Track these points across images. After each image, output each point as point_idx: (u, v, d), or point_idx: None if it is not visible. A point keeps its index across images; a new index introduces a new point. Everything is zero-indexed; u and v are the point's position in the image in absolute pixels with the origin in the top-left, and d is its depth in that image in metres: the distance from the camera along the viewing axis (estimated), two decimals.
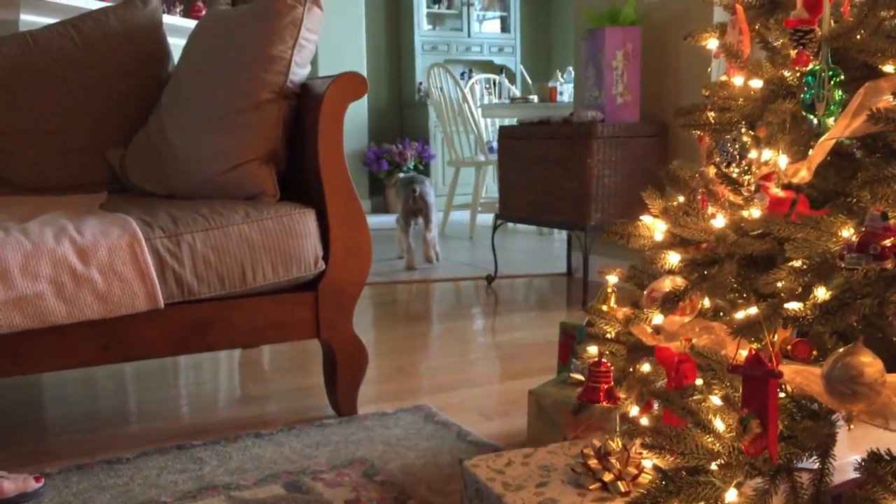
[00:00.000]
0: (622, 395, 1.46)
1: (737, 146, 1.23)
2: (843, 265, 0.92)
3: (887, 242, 0.90)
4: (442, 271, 4.34)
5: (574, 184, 3.29)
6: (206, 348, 1.94)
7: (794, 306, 0.95)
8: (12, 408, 2.24)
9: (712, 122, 1.35)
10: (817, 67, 1.09)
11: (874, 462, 1.00)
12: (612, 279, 1.53)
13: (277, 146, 2.07)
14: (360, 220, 2.04)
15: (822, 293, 1.00)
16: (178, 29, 3.77)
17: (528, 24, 7.53)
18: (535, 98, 5.49)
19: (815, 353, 1.04)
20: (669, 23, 3.46)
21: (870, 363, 0.89)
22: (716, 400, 1.10)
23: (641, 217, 1.36)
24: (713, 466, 1.04)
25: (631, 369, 1.44)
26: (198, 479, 1.70)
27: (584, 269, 3.34)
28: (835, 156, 1.23)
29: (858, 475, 0.97)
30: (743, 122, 1.28)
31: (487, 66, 7.25)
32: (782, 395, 1.06)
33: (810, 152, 1.13)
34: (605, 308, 1.51)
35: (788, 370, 0.99)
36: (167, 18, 4.04)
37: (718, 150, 1.26)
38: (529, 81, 6.45)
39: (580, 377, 1.67)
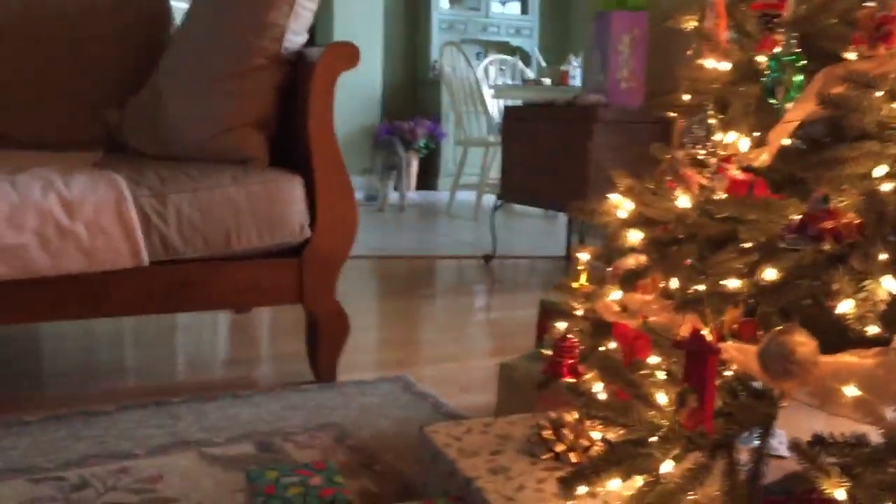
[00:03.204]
0: (586, 372, 1.47)
1: (703, 128, 1.24)
2: (783, 245, 0.94)
3: (827, 225, 0.92)
4: (442, 249, 4.36)
5: (573, 166, 3.30)
6: (190, 308, 1.97)
7: (734, 284, 0.96)
8: (9, 358, 2.29)
9: (685, 104, 1.36)
10: (779, 51, 1.10)
11: (815, 444, 1.01)
12: (584, 256, 1.55)
13: (269, 113, 2.09)
14: (347, 191, 2.06)
15: (770, 274, 1.01)
16: None
17: (547, 6, 7.49)
18: (547, 81, 5.48)
19: (760, 333, 1.05)
20: (678, 9, 3.43)
21: (803, 342, 0.90)
22: (662, 375, 1.12)
23: (608, 195, 1.37)
24: (654, 439, 1.05)
25: (597, 346, 1.46)
26: (172, 435, 1.73)
27: None
28: (806, 142, 1.24)
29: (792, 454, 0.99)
30: (712, 105, 1.28)
31: (504, 48, 7.22)
32: (728, 372, 1.07)
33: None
34: (575, 285, 1.52)
35: (730, 348, 1.01)
36: None
37: (685, 131, 1.27)
38: (543, 64, 6.44)
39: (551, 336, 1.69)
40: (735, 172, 1.17)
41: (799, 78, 1.09)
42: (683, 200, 1.28)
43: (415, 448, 1.68)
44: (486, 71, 6.16)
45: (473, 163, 5.80)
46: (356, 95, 6.38)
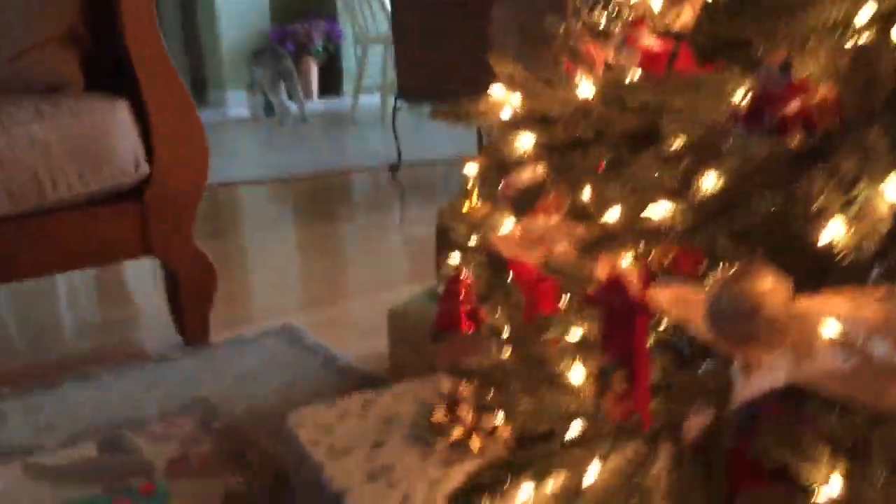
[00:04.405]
0: (489, 316, 1.17)
1: None
2: (729, 146, 0.62)
3: (792, 108, 0.60)
4: (347, 162, 3.99)
5: (472, 53, 2.91)
6: (6, 278, 1.60)
7: (660, 210, 0.64)
8: None
9: None
10: None
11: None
12: (472, 169, 1.21)
13: (78, 22, 1.68)
14: (187, 111, 1.67)
15: (710, 182, 0.69)
16: None
17: None
18: None
19: (704, 265, 0.74)
20: None
21: (771, 290, 0.59)
22: (576, 336, 0.81)
23: (490, 88, 1.04)
24: (572, 431, 0.75)
25: (499, 283, 1.15)
26: None
27: None
28: None
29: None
30: None
31: None
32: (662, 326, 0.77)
33: None
34: (464, 209, 1.20)
35: (665, 296, 0.70)
36: None
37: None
38: None
39: (443, 278, 1.38)
40: (648, 41, 0.84)
41: None
42: (585, 87, 0.94)
43: None
44: None
45: (375, 62, 5.36)
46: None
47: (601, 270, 0.73)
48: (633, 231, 0.64)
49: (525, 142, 0.94)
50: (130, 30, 1.60)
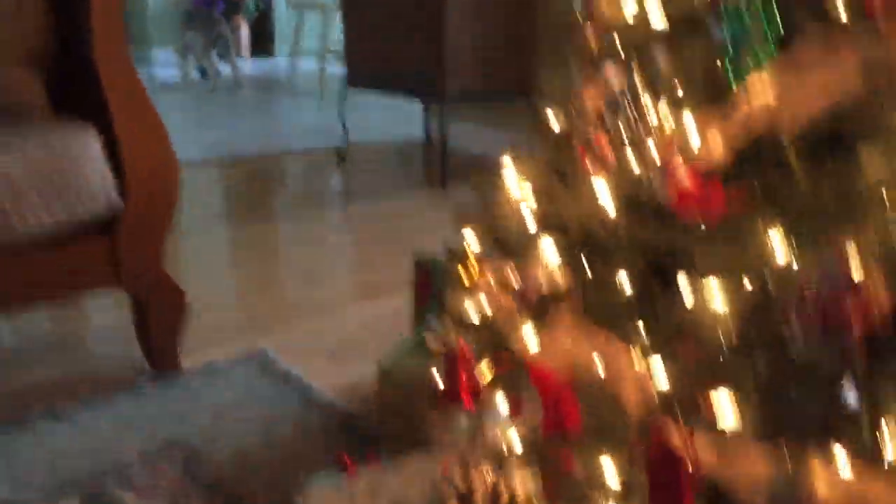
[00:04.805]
0: (484, 377, 1.19)
1: (629, 101, 0.92)
2: (800, 346, 0.65)
3: (854, 311, 0.63)
4: (287, 139, 3.91)
5: (426, 43, 2.88)
6: None
7: (723, 400, 0.67)
8: None
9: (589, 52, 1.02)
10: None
11: None
12: (472, 241, 1.21)
13: (43, 41, 1.60)
14: (158, 132, 1.62)
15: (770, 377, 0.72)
16: None
17: None
18: None
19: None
20: None
21: (828, 480, 0.64)
22: (609, 468, 0.83)
23: (504, 179, 1.04)
24: None
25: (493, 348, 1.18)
26: None
27: (441, 145, 3.00)
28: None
29: None
30: (635, 63, 0.95)
31: None
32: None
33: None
34: (464, 276, 1.21)
35: (710, 454, 0.73)
36: None
37: (606, 105, 0.94)
38: None
39: (438, 341, 1.39)
40: (683, 175, 0.87)
41: (767, 52, 0.77)
42: (605, 193, 0.97)
43: (288, 469, 1.38)
44: None
45: (312, 26, 5.23)
46: None
47: (651, 434, 0.75)
48: (694, 411, 0.67)
49: (549, 253, 0.96)
50: (100, 49, 1.53)
